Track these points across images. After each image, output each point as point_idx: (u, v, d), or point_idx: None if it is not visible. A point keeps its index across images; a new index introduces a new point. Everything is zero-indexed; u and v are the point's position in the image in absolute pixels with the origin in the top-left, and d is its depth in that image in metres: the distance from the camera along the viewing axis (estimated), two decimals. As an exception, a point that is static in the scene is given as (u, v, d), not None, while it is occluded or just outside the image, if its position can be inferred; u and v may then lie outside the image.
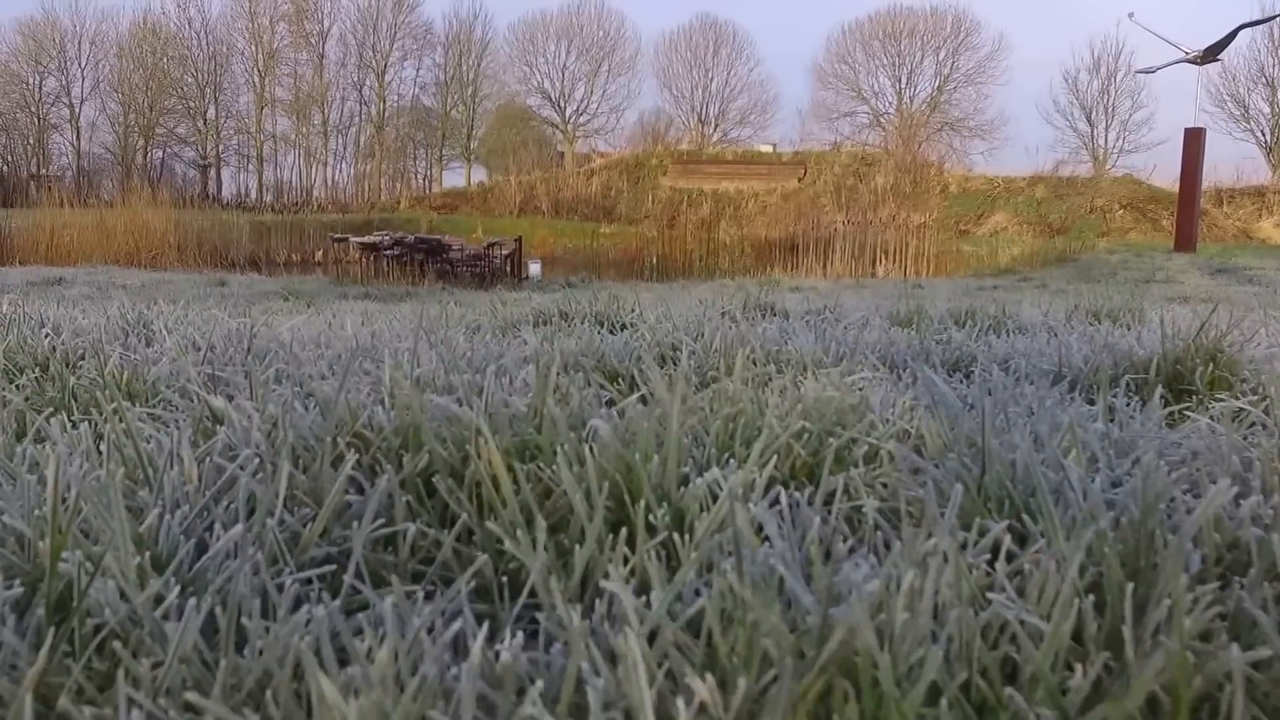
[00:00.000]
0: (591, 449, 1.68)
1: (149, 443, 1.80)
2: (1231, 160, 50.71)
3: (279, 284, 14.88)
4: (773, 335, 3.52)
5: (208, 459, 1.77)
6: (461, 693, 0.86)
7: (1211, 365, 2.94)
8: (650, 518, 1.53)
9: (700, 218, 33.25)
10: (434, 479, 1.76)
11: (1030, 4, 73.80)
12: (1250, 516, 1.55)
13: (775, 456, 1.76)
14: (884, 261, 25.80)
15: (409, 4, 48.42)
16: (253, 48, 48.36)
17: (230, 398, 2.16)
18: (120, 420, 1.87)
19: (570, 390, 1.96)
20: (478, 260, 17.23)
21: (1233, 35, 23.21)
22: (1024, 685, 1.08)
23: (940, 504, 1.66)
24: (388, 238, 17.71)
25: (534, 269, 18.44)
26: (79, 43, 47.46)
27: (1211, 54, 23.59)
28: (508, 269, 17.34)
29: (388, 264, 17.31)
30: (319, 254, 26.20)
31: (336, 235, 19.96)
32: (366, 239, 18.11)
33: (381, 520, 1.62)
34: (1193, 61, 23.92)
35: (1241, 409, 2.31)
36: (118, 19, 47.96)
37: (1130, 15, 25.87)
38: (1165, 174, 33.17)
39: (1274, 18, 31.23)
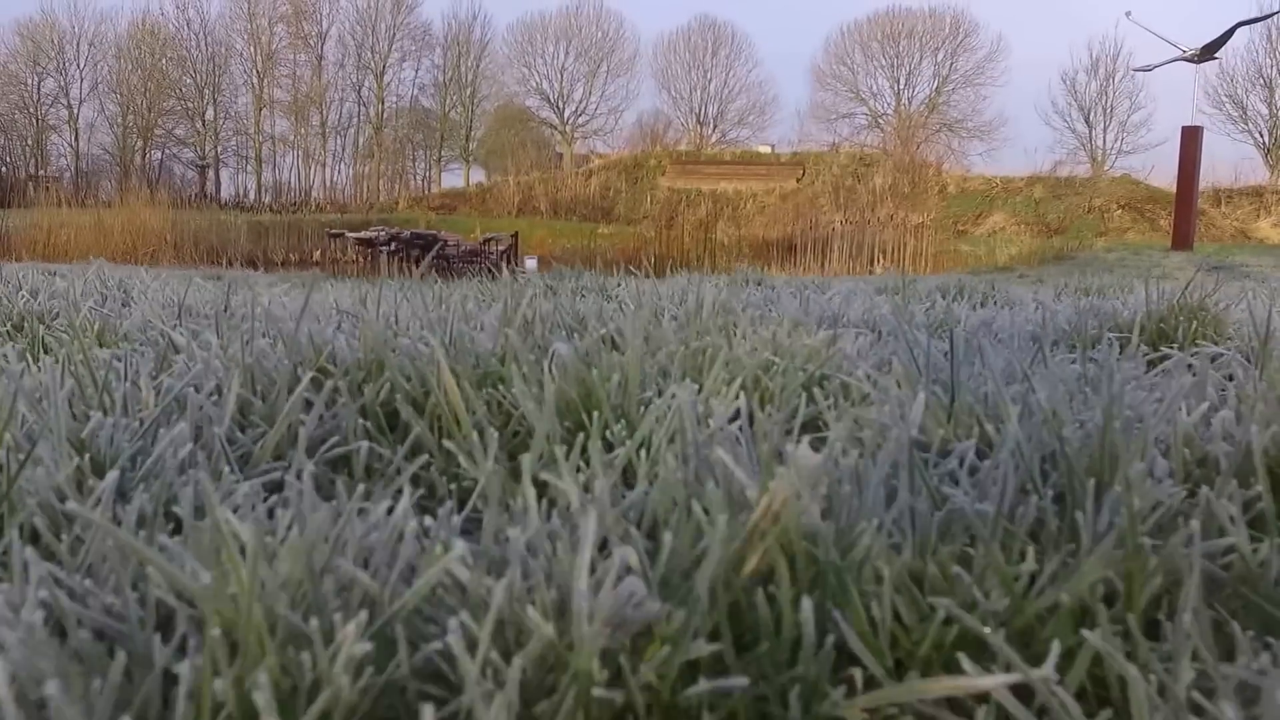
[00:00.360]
0: (553, 374, 1.65)
1: (109, 373, 1.78)
2: (1230, 161, 50.74)
3: (274, 278, 14.88)
4: (756, 301, 3.50)
5: (163, 387, 1.75)
6: (375, 543, 0.83)
7: (1195, 323, 2.92)
8: (607, 434, 1.50)
9: (698, 218, 33.23)
10: (395, 404, 1.74)
11: (1029, 5, 73.83)
12: (1221, 434, 1.53)
13: (742, 384, 1.73)
14: (882, 261, 25.77)
15: (408, 5, 48.40)
16: (251, 49, 48.33)
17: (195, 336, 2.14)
18: (80, 351, 1.84)
19: (535, 322, 1.94)
20: (474, 256, 17.21)
21: (1230, 33, 23.16)
22: (976, 573, 1.05)
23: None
24: (383, 233, 17.69)
25: (530, 264, 18.40)
26: (77, 44, 47.45)
27: (1208, 52, 23.54)
28: (503, 265, 17.31)
29: (384, 260, 17.29)
30: (316, 254, 26.19)
31: (332, 230, 19.94)
32: (362, 234, 18.09)
33: (336, 438, 1.59)
34: (1190, 60, 23.87)
35: (1220, 353, 2.28)
36: (116, 20, 47.93)
37: (1128, 14, 25.88)
38: (1163, 174, 33.16)
39: (1271, 15, 31.20)
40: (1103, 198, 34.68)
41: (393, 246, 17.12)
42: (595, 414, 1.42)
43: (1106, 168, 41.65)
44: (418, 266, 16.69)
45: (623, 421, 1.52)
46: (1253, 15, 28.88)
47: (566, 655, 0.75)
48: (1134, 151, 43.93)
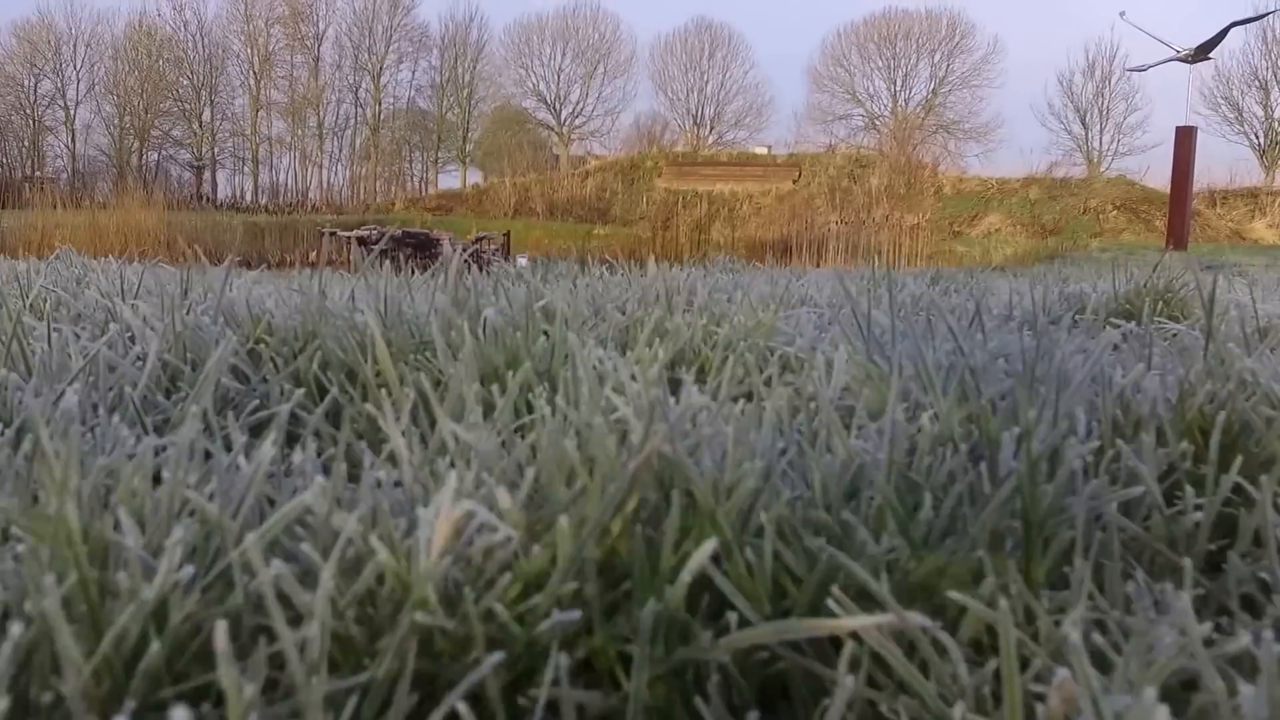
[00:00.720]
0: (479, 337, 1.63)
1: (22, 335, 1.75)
2: (1225, 162, 50.79)
3: (260, 274, 14.88)
4: (724, 283, 3.47)
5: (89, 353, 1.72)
6: (242, 475, 0.81)
7: (1161, 304, 2.90)
8: (530, 396, 1.48)
9: (694, 219, 33.23)
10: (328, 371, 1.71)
11: (1025, 7, 73.83)
12: (1154, 395, 1.51)
13: (679, 351, 1.71)
14: (877, 261, 25.71)
15: (404, 6, 48.35)
16: (248, 50, 48.29)
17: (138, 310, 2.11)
18: (7, 318, 1.82)
19: (472, 295, 1.91)
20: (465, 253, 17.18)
21: (1224, 33, 23.15)
22: (872, 519, 1.03)
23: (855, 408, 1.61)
24: (375, 231, 17.67)
25: (522, 262, 18.38)
26: (74, 45, 47.38)
27: (1203, 52, 23.53)
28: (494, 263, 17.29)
29: (378, 258, 17.24)
30: (312, 255, 26.14)
31: (325, 230, 19.92)
32: (354, 233, 18.07)
33: (257, 402, 1.57)
34: (1184, 60, 23.87)
35: (1178, 329, 2.26)
36: (113, 21, 47.83)
37: (1122, 14, 25.89)
38: (1159, 176, 33.15)
39: (1265, 15, 31.21)
40: (1098, 199, 34.63)
41: (384, 245, 17.08)
42: (516, 373, 1.40)
43: (1102, 169, 41.61)
44: (409, 264, 16.65)
45: (547, 384, 1.49)
46: (1246, 16, 28.88)
47: (409, 585, 0.72)
48: (1130, 153, 43.83)
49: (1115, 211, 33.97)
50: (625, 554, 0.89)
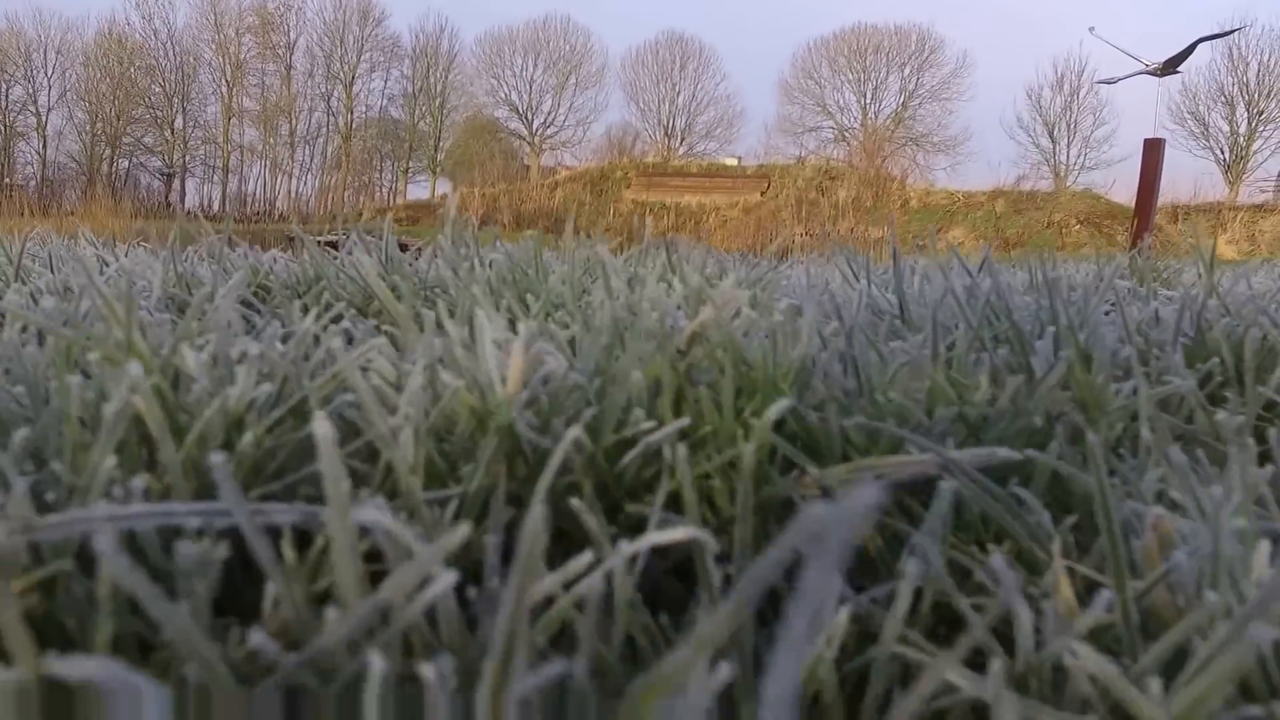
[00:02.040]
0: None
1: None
2: (1190, 175, 51.60)
3: (235, 279, 14.81)
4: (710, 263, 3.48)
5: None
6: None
7: (1148, 280, 2.92)
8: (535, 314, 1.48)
9: (659, 231, 33.21)
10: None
11: (994, 22, 74.61)
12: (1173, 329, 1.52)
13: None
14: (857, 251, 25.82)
15: (375, 17, 48.28)
16: (220, 58, 48.02)
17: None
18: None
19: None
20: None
21: (1191, 48, 23.46)
22: (923, 399, 1.02)
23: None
24: (344, 235, 17.62)
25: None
26: (44, 52, 46.92)
27: (1171, 66, 23.84)
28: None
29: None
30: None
31: (292, 235, 19.86)
32: (321, 237, 17.99)
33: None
34: (1152, 73, 24.17)
35: (1171, 295, 2.28)
36: (83, 29, 47.47)
37: (1091, 29, 26.24)
38: (1125, 190, 33.60)
39: (1231, 32, 31.70)
40: (1062, 212, 34.90)
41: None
42: (529, 297, 1.39)
43: (1069, 183, 42.02)
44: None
45: (561, 310, 1.48)
46: (1214, 32, 29.30)
47: (488, 417, 0.71)
48: (1096, 167, 44.28)
49: (1079, 226, 34.23)
50: (690, 414, 0.88)
